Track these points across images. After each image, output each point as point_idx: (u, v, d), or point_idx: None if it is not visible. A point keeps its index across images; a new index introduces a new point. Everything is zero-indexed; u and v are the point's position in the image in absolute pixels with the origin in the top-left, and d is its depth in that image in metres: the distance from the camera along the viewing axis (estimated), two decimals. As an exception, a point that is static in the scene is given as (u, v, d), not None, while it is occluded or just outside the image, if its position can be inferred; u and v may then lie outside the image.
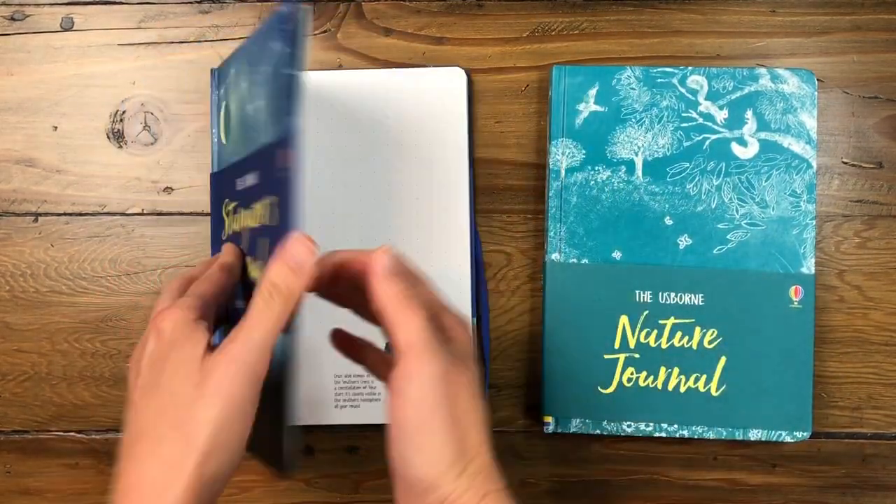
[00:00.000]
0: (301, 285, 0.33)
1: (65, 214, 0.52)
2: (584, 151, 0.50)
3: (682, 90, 0.50)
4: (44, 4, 0.52)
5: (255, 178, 0.40)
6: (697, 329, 0.49)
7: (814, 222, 0.49)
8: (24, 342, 0.52)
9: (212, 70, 0.50)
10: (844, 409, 0.51)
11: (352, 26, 0.52)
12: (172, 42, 0.52)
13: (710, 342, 0.49)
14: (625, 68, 0.50)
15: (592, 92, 0.50)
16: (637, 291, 0.49)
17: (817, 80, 0.50)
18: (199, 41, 0.52)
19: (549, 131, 0.50)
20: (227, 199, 0.45)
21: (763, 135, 0.50)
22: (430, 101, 0.51)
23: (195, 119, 0.52)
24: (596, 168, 0.50)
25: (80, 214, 0.52)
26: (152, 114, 0.52)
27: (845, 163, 0.52)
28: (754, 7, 0.52)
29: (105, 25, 0.52)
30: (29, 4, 0.52)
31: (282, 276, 0.33)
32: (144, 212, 0.52)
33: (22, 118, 0.52)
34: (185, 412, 0.32)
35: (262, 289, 0.33)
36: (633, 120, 0.50)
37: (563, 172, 0.50)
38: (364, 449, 0.52)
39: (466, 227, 0.50)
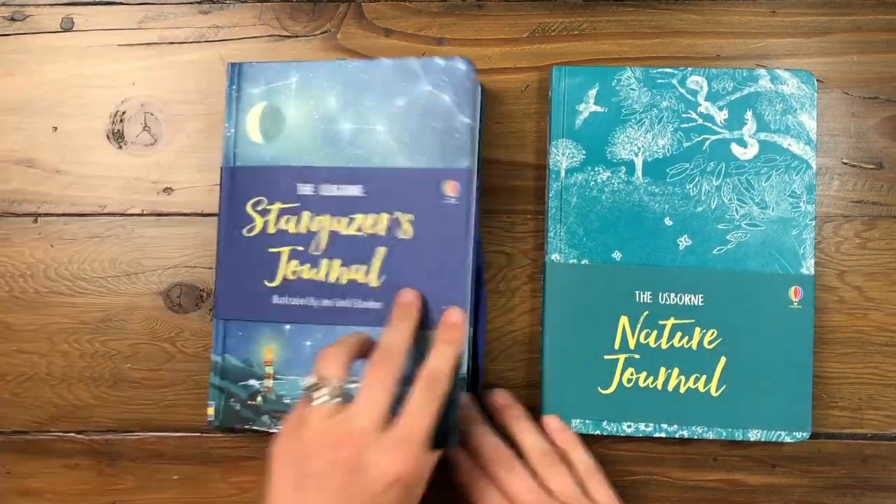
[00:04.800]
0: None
1: (64, 215, 0.52)
2: (583, 152, 0.50)
3: (682, 91, 0.50)
4: (44, 4, 0.52)
5: (360, 191, 0.48)
6: (697, 329, 0.49)
7: (813, 223, 0.49)
8: (23, 343, 0.52)
9: (231, 64, 0.50)
10: (844, 409, 0.51)
11: (352, 26, 0.52)
12: (172, 42, 0.52)
13: (709, 342, 0.49)
14: (625, 69, 0.50)
15: (592, 92, 0.50)
16: (637, 292, 0.49)
17: (817, 80, 0.50)
18: (199, 41, 0.52)
19: (549, 132, 0.50)
20: (262, 198, 0.49)
21: (763, 135, 0.49)
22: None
23: (195, 119, 0.52)
24: (596, 169, 0.50)
25: (80, 215, 0.52)
26: (152, 114, 0.52)
27: (845, 163, 0.52)
28: (754, 7, 0.52)
29: (105, 26, 0.52)
30: (29, 4, 0.52)
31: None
32: (144, 213, 0.52)
33: (22, 118, 0.52)
34: None
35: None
36: (633, 121, 0.50)
37: (562, 173, 0.50)
38: (364, 449, 0.52)
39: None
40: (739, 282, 0.49)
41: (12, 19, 0.52)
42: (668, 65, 0.51)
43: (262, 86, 0.49)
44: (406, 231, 0.48)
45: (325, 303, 0.48)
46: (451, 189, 0.47)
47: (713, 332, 0.49)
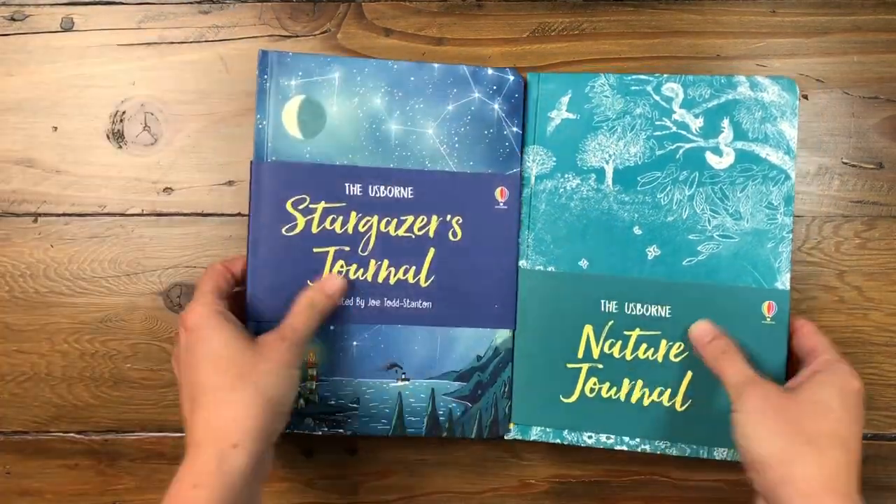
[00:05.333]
0: (330, 308, 0.46)
1: (64, 215, 0.52)
2: (554, 159, 0.49)
3: (657, 98, 0.49)
4: (44, 4, 0.52)
5: (410, 193, 0.48)
6: (663, 342, 0.48)
7: (790, 236, 0.47)
8: (23, 343, 0.52)
9: (262, 52, 0.48)
10: (845, 409, 0.51)
11: (352, 26, 0.52)
12: (172, 42, 0.52)
13: (675, 356, 0.48)
14: (599, 76, 0.49)
15: (565, 99, 0.49)
16: (603, 301, 0.48)
17: (817, 80, 0.50)
18: (199, 41, 0.52)
19: (522, 138, 0.49)
20: (305, 196, 0.48)
21: (740, 144, 0.48)
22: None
23: (195, 119, 0.52)
24: (566, 176, 0.49)
25: (80, 215, 0.52)
26: (152, 114, 0.52)
27: (845, 163, 0.52)
28: (754, 7, 0.52)
29: (105, 26, 0.52)
30: (29, 4, 0.52)
31: (318, 298, 0.46)
32: (144, 212, 0.52)
33: (22, 118, 0.52)
34: (250, 369, 0.41)
35: (303, 300, 0.45)
36: (605, 128, 0.49)
37: (532, 179, 0.49)
38: (364, 450, 0.52)
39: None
40: (709, 294, 0.47)
41: (12, 19, 0.52)
42: (669, 65, 0.51)
43: (300, 78, 0.48)
44: (455, 233, 0.49)
45: (373, 303, 0.48)
46: (501, 195, 0.49)
47: (680, 346, 0.47)
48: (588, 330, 0.48)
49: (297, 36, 0.52)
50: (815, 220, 0.51)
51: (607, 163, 0.49)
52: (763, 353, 0.47)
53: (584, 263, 0.48)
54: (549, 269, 0.48)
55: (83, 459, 0.52)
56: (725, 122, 0.48)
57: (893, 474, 0.51)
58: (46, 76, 0.52)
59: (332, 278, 0.47)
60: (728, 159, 0.48)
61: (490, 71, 0.49)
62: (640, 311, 0.48)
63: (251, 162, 0.48)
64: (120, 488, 0.52)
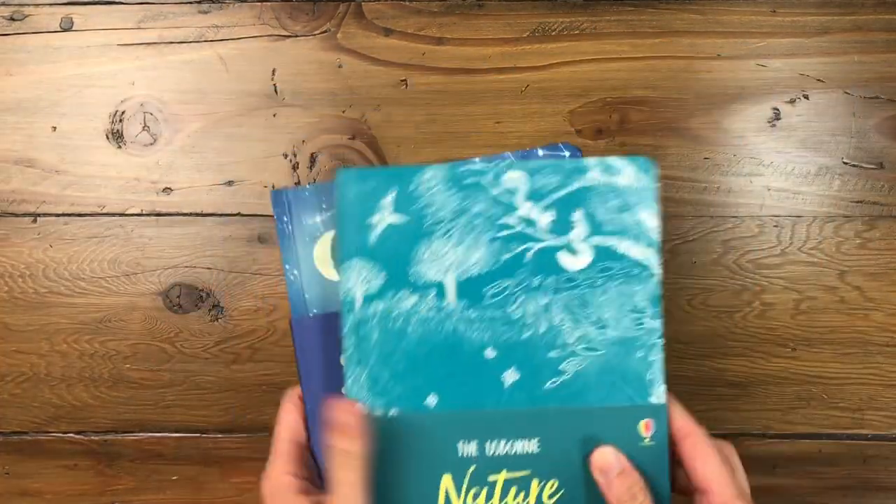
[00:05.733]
0: (359, 443, 0.37)
1: (64, 215, 0.52)
2: (382, 274, 0.40)
3: (497, 191, 0.41)
4: (44, 4, 0.52)
5: None
6: (535, 482, 0.40)
7: (661, 341, 0.41)
8: (22, 343, 0.52)
9: (275, 192, 0.42)
10: (845, 410, 0.51)
11: (352, 26, 0.52)
12: (172, 42, 0.52)
13: (550, 496, 0.40)
14: (425, 169, 0.41)
15: (388, 200, 0.40)
16: (460, 443, 0.40)
17: (817, 80, 0.50)
18: (199, 41, 0.52)
19: (340, 252, 0.40)
20: None
21: (596, 240, 0.41)
22: None
23: (195, 119, 0.52)
24: (399, 294, 0.40)
25: (79, 215, 0.52)
26: (152, 114, 0.52)
27: (846, 163, 0.52)
28: (754, 7, 0.52)
29: (105, 25, 0.52)
30: (29, 4, 0.52)
31: (338, 441, 0.37)
32: (143, 212, 0.52)
33: (21, 118, 0.52)
34: None
35: (328, 454, 0.37)
36: (440, 232, 0.40)
37: (359, 302, 0.40)
38: (364, 450, 0.52)
39: None
40: (580, 420, 0.40)
41: (12, 19, 0.52)
42: (669, 65, 0.51)
43: (325, 212, 0.42)
44: None
45: None
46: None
47: (553, 484, 0.40)
48: (446, 482, 0.40)
49: (297, 36, 0.52)
50: (816, 220, 0.51)
51: (447, 274, 0.41)
52: (644, 478, 0.40)
53: (432, 400, 0.40)
54: (391, 412, 0.40)
55: (82, 460, 0.52)
56: (578, 215, 0.41)
57: (893, 474, 0.51)
58: (46, 76, 0.52)
59: (334, 407, 0.38)
60: (584, 258, 0.41)
61: (540, 152, 0.44)
62: (504, 449, 0.40)
63: (290, 319, 0.42)
64: (119, 488, 0.52)
